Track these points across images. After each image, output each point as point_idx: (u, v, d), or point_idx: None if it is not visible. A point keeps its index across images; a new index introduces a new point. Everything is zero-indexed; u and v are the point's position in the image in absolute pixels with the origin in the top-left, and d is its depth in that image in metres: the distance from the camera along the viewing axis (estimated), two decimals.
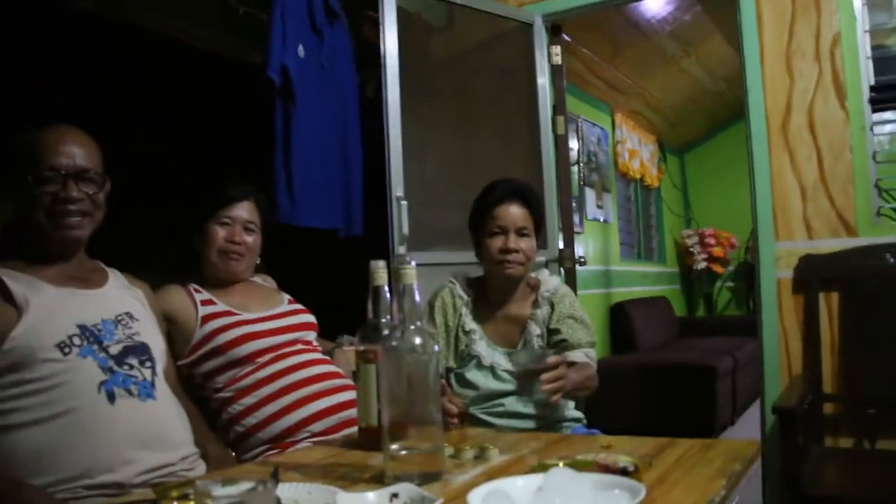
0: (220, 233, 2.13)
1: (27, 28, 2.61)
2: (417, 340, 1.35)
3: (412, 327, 1.36)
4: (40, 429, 1.54)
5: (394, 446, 1.34)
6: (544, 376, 1.85)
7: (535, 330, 2.25)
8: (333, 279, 3.03)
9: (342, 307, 2.56)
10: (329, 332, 2.44)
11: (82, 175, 1.72)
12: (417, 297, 1.39)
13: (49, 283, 1.69)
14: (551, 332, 2.24)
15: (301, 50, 2.86)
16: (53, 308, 1.64)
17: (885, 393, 2.65)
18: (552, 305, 2.27)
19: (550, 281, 2.35)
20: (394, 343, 1.35)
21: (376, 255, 1.74)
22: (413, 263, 1.38)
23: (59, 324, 1.62)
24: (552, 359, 1.88)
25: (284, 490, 1.24)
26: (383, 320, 1.63)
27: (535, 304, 2.29)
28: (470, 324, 2.26)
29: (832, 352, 2.83)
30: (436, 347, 1.36)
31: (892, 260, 2.74)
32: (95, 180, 1.75)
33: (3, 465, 1.51)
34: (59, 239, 1.72)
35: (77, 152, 1.72)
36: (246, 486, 1.08)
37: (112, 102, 2.84)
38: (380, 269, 1.64)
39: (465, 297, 2.31)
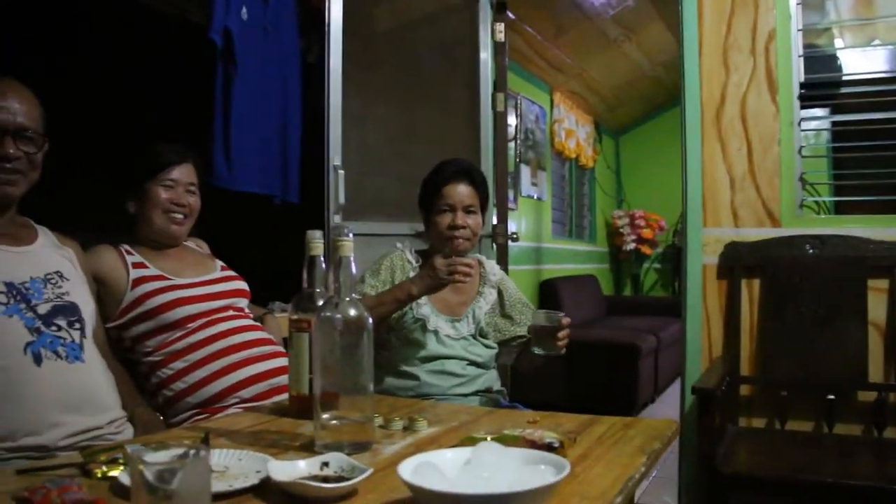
0: (163, 194, 2.10)
1: None
2: (352, 312, 1.36)
3: (347, 299, 1.37)
4: None
5: (325, 415, 1.36)
6: (560, 333, 2.06)
7: (484, 307, 2.44)
8: (266, 246, 3.01)
9: (274, 274, 2.57)
10: (260, 298, 2.44)
11: (21, 133, 1.68)
12: (353, 269, 1.40)
13: None
14: (504, 316, 2.46)
15: (245, 12, 2.81)
16: None
17: (797, 376, 2.78)
18: (499, 290, 2.49)
19: (493, 265, 2.56)
20: (328, 314, 1.36)
21: (312, 223, 1.75)
22: (350, 235, 1.40)
23: None
24: (566, 319, 2.07)
25: (215, 457, 1.25)
26: (318, 290, 1.64)
27: (482, 283, 2.48)
28: None
29: (751, 336, 2.94)
30: (370, 320, 1.38)
31: (811, 250, 2.85)
32: (34, 139, 1.71)
33: None
34: None
35: (18, 109, 1.68)
36: (177, 451, 1.08)
37: (43, 55, 2.75)
38: (316, 239, 1.64)
39: (414, 262, 2.43)
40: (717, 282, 3.02)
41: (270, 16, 2.98)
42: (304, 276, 1.66)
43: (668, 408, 5.43)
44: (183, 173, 2.14)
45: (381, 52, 3.51)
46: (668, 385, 6.02)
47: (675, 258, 7.93)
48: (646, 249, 8.24)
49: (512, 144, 5.88)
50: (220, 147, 2.64)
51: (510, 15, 4.11)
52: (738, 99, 3.03)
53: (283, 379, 1.96)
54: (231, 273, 2.24)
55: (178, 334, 1.99)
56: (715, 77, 3.06)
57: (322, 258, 1.65)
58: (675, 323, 5.36)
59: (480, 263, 2.53)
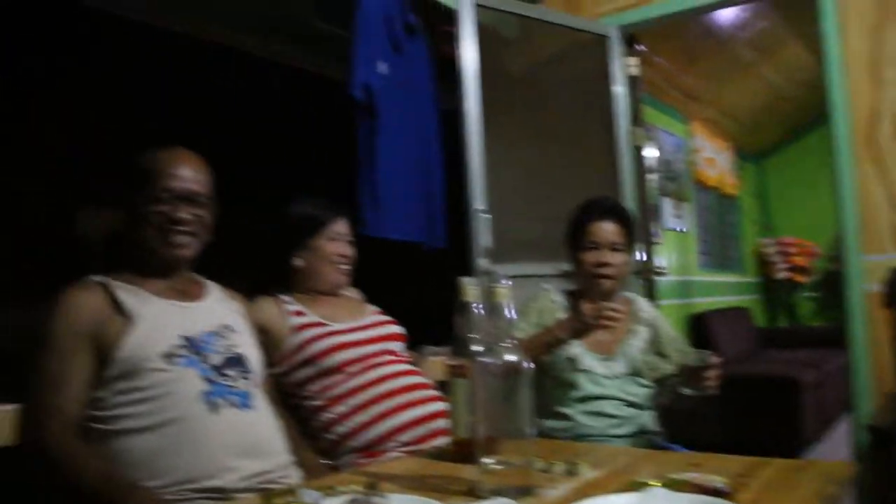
0: (330, 248, 2.22)
1: (130, 54, 2.72)
2: (510, 357, 1.38)
3: (504, 344, 1.39)
4: (149, 435, 1.62)
5: (486, 460, 1.37)
6: (710, 372, 2.06)
7: (637, 345, 2.41)
8: (415, 291, 3.08)
9: (424, 318, 2.61)
10: (411, 342, 2.49)
11: (193, 198, 1.81)
12: (510, 315, 1.42)
13: (155, 296, 1.78)
14: (659, 354, 2.43)
15: (383, 66, 2.92)
16: (159, 320, 1.73)
17: None
18: (653, 328, 2.45)
19: (644, 302, 2.55)
20: (486, 359, 1.38)
21: (459, 267, 1.78)
22: (506, 282, 1.41)
23: (164, 335, 1.71)
24: (714, 358, 2.07)
25: (384, 502, 1.27)
26: (472, 336, 1.66)
27: (634, 321, 2.45)
28: None
29: None
30: (530, 365, 1.39)
31: None
32: (205, 204, 1.84)
33: (120, 467, 1.60)
34: (167, 257, 1.81)
35: (190, 176, 1.82)
36: (348, 497, 1.12)
37: (199, 118, 2.94)
38: (469, 285, 1.67)
39: (561, 303, 2.44)
40: (884, 311, 2.84)
41: (406, 68, 3.09)
42: (458, 321, 1.69)
43: (836, 447, 5.11)
44: (342, 226, 2.26)
45: (515, 95, 3.56)
46: (834, 421, 5.66)
47: (833, 285, 7.51)
48: (799, 278, 7.85)
49: (652, 177, 5.78)
50: (367, 198, 2.74)
51: (641, 48, 4.08)
52: (893, 115, 2.87)
53: (441, 423, 2.01)
54: (385, 317, 2.30)
55: (339, 379, 2.07)
56: (865, 93, 2.93)
57: (475, 304, 1.68)
58: (837, 355, 5.06)
59: (630, 301, 2.50)
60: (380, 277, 2.61)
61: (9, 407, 1.73)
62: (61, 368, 1.66)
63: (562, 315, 2.37)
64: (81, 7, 2.23)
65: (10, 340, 2.49)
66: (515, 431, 1.38)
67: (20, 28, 2.41)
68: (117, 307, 1.72)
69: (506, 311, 1.41)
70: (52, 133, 2.72)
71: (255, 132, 3.08)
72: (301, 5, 2.84)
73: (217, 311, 1.88)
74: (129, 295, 1.74)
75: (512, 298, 1.44)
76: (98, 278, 1.79)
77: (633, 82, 3.88)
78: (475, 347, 1.62)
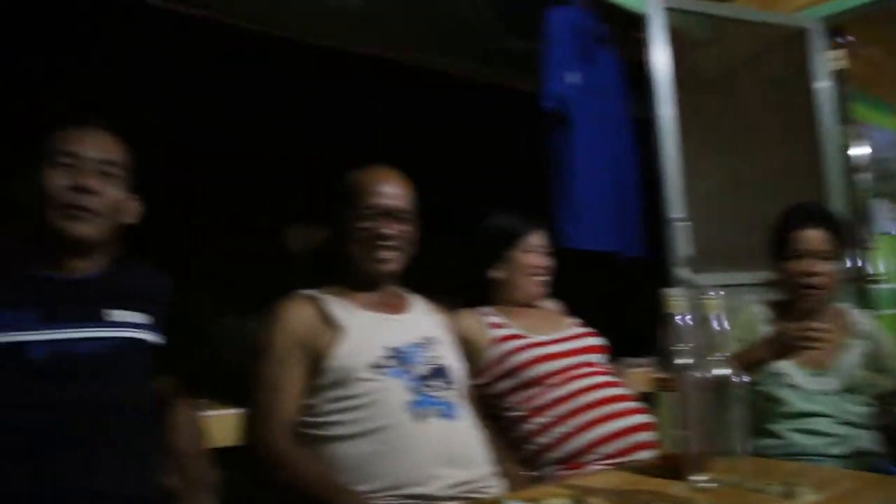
0: (527, 260, 2.25)
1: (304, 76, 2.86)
2: (721, 371, 1.34)
3: (716, 358, 1.35)
4: (358, 441, 1.70)
5: (697, 477, 1.34)
6: None
7: (852, 360, 2.26)
8: (613, 302, 3.05)
9: (622, 329, 2.58)
10: (611, 354, 2.46)
11: (397, 214, 1.89)
12: (720, 327, 1.38)
13: (362, 309, 1.87)
14: (879, 370, 2.28)
15: (573, 77, 2.92)
16: (367, 332, 1.81)
17: None
18: (870, 341, 2.30)
19: (860, 314, 2.40)
20: (697, 373, 1.35)
21: (657, 277, 1.74)
22: (716, 293, 1.38)
23: (372, 346, 1.79)
24: None
25: None
26: (679, 348, 1.62)
27: (849, 334, 2.31)
28: None
29: None
30: (743, 378, 1.34)
31: None
32: (409, 219, 1.92)
33: (331, 471, 1.69)
34: (373, 271, 1.90)
35: (393, 193, 1.91)
36: None
37: (399, 138, 3.05)
38: (674, 296, 1.63)
39: (764, 316, 2.33)
40: None
41: (597, 76, 3.07)
42: (663, 333, 1.65)
43: None
44: (539, 238, 2.28)
45: (709, 98, 3.44)
46: None
47: None
48: None
49: (863, 178, 5.39)
50: (563, 208, 2.74)
51: (846, 39, 3.82)
52: None
53: (644, 436, 1.98)
54: (585, 329, 2.29)
55: (540, 390, 2.07)
56: None
57: (681, 316, 1.64)
58: None
59: (843, 313, 2.36)
60: (577, 288, 2.61)
61: (233, 411, 1.87)
62: (279, 376, 1.78)
63: (765, 329, 2.27)
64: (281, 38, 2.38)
65: (231, 350, 2.70)
66: (727, 448, 1.34)
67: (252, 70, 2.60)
68: (328, 319, 1.82)
69: (715, 323, 1.37)
70: (265, 153, 2.91)
71: (451, 149, 3.16)
72: (491, 24, 2.90)
73: (421, 324, 1.95)
74: (339, 308, 1.84)
75: (722, 309, 1.40)
76: (309, 292, 1.90)
77: (839, 77, 3.64)
78: (682, 360, 1.59)
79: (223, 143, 2.82)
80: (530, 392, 2.08)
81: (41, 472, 1.38)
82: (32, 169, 1.55)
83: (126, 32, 2.33)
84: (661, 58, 3.10)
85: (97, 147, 1.57)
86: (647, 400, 2.14)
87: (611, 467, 1.92)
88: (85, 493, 1.39)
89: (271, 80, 2.78)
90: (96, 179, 1.55)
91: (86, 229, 1.54)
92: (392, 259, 1.90)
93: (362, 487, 1.66)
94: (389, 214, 1.88)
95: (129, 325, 1.58)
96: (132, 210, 1.66)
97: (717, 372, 1.34)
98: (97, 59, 2.52)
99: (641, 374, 2.51)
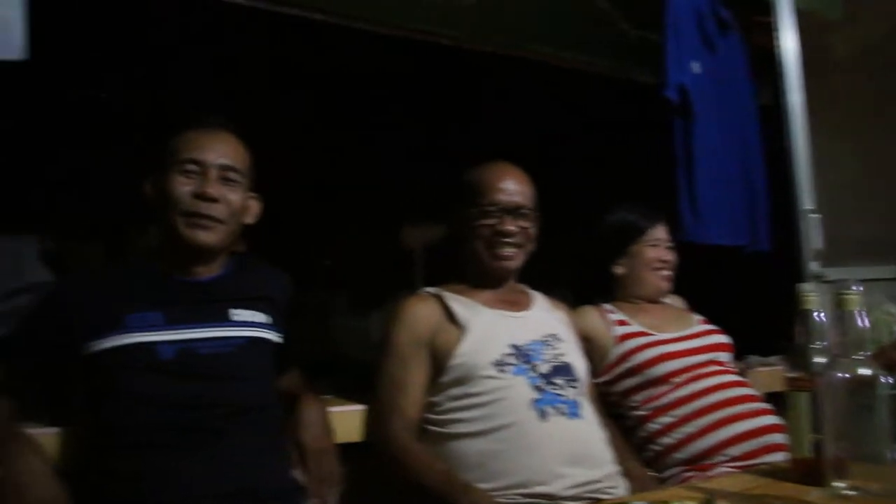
0: (650, 253, 2.21)
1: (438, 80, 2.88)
2: (863, 371, 1.27)
3: (858, 357, 1.28)
4: (481, 439, 1.70)
5: (836, 484, 1.27)
6: None
7: None
8: (738, 297, 2.93)
9: (748, 326, 2.48)
10: (737, 352, 2.38)
11: (518, 211, 1.89)
12: (862, 324, 1.30)
13: (484, 306, 1.87)
14: None
15: (696, 65, 2.83)
16: (490, 329, 1.81)
17: None
18: None
19: None
20: (835, 372, 1.28)
21: (786, 272, 1.66)
22: (857, 288, 1.30)
23: (495, 344, 1.79)
24: None
25: None
26: (815, 346, 1.54)
27: None
28: None
29: None
30: (887, 380, 1.26)
31: None
32: (529, 216, 1.91)
33: (454, 468, 1.70)
34: (494, 270, 1.90)
35: (515, 189, 1.90)
36: None
37: (519, 133, 3.03)
38: (809, 292, 1.56)
39: None
40: None
41: (721, 64, 2.95)
42: (798, 331, 1.58)
43: None
44: (662, 232, 2.24)
45: (843, 82, 3.27)
46: None
47: None
48: None
49: None
50: (686, 202, 2.66)
51: None
52: None
53: (774, 437, 1.91)
54: (711, 327, 2.22)
55: (664, 389, 2.03)
56: None
57: (816, 312, 1.56)
58: None
59: None
60: (701, 284, 2.53)
61: (356, 407, 1.90)
62: (402, 374, 1.80)
63: None
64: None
65: (352, 347, 2.76)
66: (871, 454, 1.26)
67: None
68: (451, 317, 1.83)
69: (857, 320, 1.30)
70: (384, 150, 2.95)
71: (571, 143, 3.12)
72: (610, 15, 2.84)
73: (543, 321, 1.93)
74: (461, 305, 1.85)
75: (863, 305, 1.32)
76: (432, 290, 1.92)
77: None
78: (819, 359, 1.51)
79: (344, 141, 2.87)
80: (654, 391, 2.03)
81: (171, 469, 1.42)
82: (159, 172, 1.60)
83: (247, 33, 2.40)
84: (788, 41, 2.97)
85: (221, 152, 1.60)
86: (776, 401, 2.06)
87: (739, 470, 1.86)
88: (213, 490, 1.43)
89: (393, 79, 2.81)
90: (219, 187, 1.58)
91: (208, 237, 1.58)
92: (513, 256, 1.90)
93: (485, 485, 1.66)
94: (511, 211, 1.88)
95: (252, 324, 1.63)
96: (253, 211, 1.69)
97: (859, 371, 1.26)
98: (223, 60, 2.61)
99: (769, 373, 2.41)
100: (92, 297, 1.54)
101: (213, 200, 1.57)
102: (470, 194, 1.91)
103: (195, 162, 1.58)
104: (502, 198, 1.88)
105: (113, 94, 2.58)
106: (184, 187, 1.56)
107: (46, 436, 1.52)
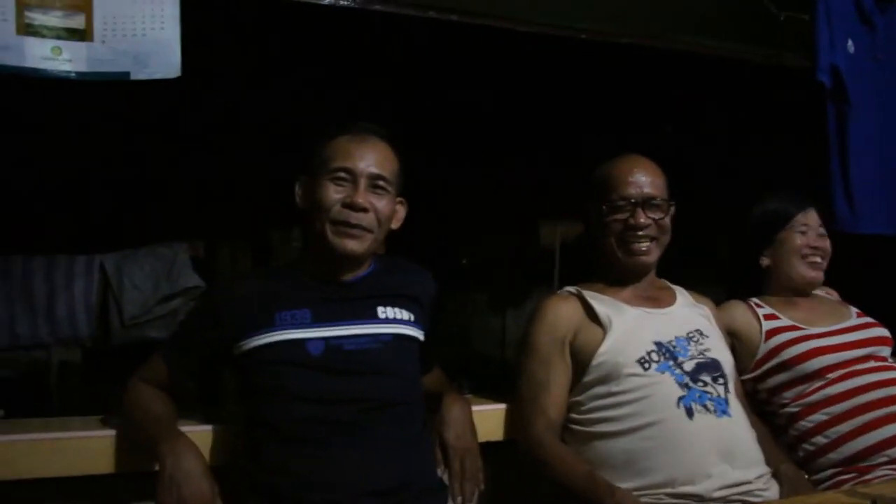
0: (799, 240, 2.11)
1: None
2: None
3: None
4: (626, 438, 1.69)
5: None
6: None
7: None
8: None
9: None
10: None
11: (649, 202, 1.85)
12: None
13: (626, 304, 1.85)
14: None
15: (851, 45, 2.67)
16: (632, 327, 1.79)
17: None
18: None
19: None
20: None
21: None
22: None
23: (638, 341, 1.76)
24: None
25: None
26: None
27: None
28: None
29: None
30: None
31: None
32: (661, 206, 1.87)
33: (598, 468, 1.69)
34: (630, 265, 1.88)
35: (645, 181, 1.87)
36: None
37: (662, 125, 2.97)
38: None
39: None
40: None
41: (880, 42, 2.79)
42: None
43: None
44: (811, 218, 2.14)
45: None
46: None
47: None
48: None
49: None
50: (840, 190, 2.52)
51: None
52: None
53: None
54: (869, 320, 2.11)
55: (817, 385, 1.94)
56: None
57: None
58: None
59: None
60: (858, 277, 2.41)
61: (498, 406, 1.92)
62: (545, 373, 1.80)
63: None
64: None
65: (492, 345, 2.79)
66: None
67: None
68: (592, 316, 1.82)
69: None
70: (521, 149, 2.95)
71: (718, 131, 3.03)
72: None
73: (687, 316, 1.89)
74: (602, 304, 1.83)
75: None
76: (572, 289, 1.91)
77: None
78: None
79: (480, 140, 2.89)
80: (806, 387, 1.95)
81: (320, 464, 1.48)
82: (309, 177, 1.65)
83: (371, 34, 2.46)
84: None
85: (371, 161, 1.62)
86: None
87: None
88: (362, 485, 1.47)
89: (530, 76, 2.80)
90: (368, 195, 1.60)
91: (356, 246, 1.60)
92: (648, 250, 1.87)
93: (630, 484, 1.64)
94: (641, 203, 1.85)
95: (398, 321, 1.66)
96: (400, 216, 1.72)
97: None
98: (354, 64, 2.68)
99: None
100: (243, 297, 1.60)
101: (363, 210, 1.59)
102: (600, 190, 1.90)
103: (346, 170, 1.60)
104: (632, 191, 1.85)
105: (258, 102, 2.69)
106: (335, 195, 1.59)
107: (202, 433, 1.62)
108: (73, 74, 1.49)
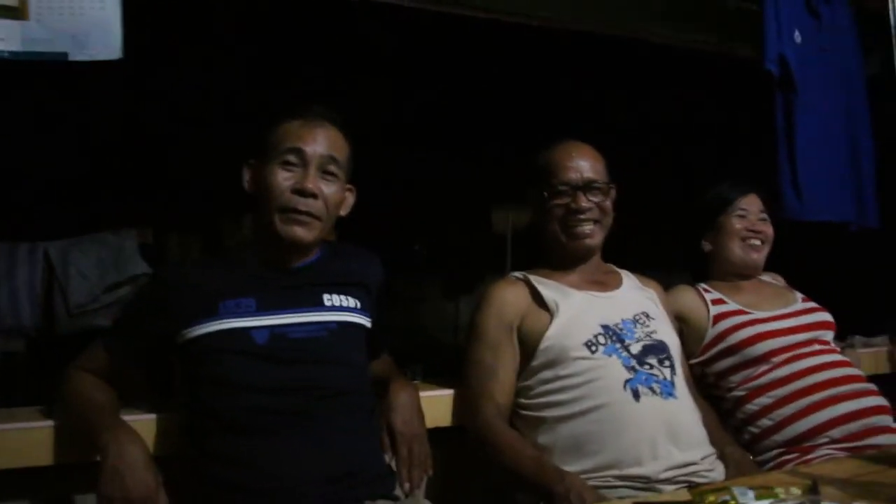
0: (738, 224, 2.14)
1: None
2: None
3: None
4: (575, 422, 1.69)
5: None
6: None
7: None
8: (842, 275, 2.82)
9: (852, 306, 2.39)
10: (839, 331, 2.29)
11: (590, 186, 1.86)
12: None
13: (572, 288, 1.85)
14: None
15: (797, 35, 2.71)
16: (579, 310, 1.79)
17: None
18: None
19: None
20: None
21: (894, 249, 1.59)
22: None
23: (585, 325, 1.76)
24: None
25: None
26: None
27: None
28: None
29: None
30: None
31: None
32: (602, 189, 1.87)
33: (547, 452, 1.69)
34: (573, 249, 1.88)
35: (584, 165, 1.87)
36: (792, 501, 1.05)
37: (603, 113, 2.99)
38: None
39: None
40: None
41: (825, 33, 2.83)
42: None
43: None
44: (752, 202, 2.16)
45: None
46: None
47: None
48: None
49: None
50: (788, 178, 2.56)
51: None
52: None
53: (879, 420, 1.86)
54: (813, 304, 2.15)
55: (763, 369, 1.97)
56: None
57: None
58: None
59: None
60: (803, 263, 2.45)
61: (446, 392, 1.91)
62: (493, 359, 1.80)
63: None
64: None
65: (445, 332, 2.79)
66: None
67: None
68: (539, 301, 1.81)
69: None
70: (474, 136, 2.95)
71: (668, 121, 3.06)
72: None
73: (633, 299, 1.90)
74: (549, 289, 1.83)
75: None
76: (519, 274, 1.91)
77: None
78: None
79: (437, 128, 2.88)
80: (752, 371, 1.98)
81: (266, 453, 1.46)
82: (258, 161, 1.61)
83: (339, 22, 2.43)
84: None
85: (322, 144, 1.59)
86: (881, 382, 2.00)
87: (842, 454, 1.80)
88: (308, 473, 1.46)
89: (491, 63, 2.80)
90: (318, 182, 1.57)
91: (304, 234, 1.58)
92: (591, 233, 1.87)
93: (578, 467, 1.65)
94: (583, 188, 1.85)
95: (344, 308, 1.63)
96: (348, 203, 1.69)
97: None
98: (319, 48, 2.66)
99: (874, 354, 2.33)
100: (188, 285, 1.57)
101: (312, 196, 1.57)
102: (541, 176, 1.89)
103: (296, 153, 1.57)
104: (572, 175, 1.85)
105: (211, 89, 2.65)
106: (283, 182, 1.56)
107: (146, 422, 1.59)
108: (6, 54, 1.45)
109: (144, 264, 2.65)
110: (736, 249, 2.13)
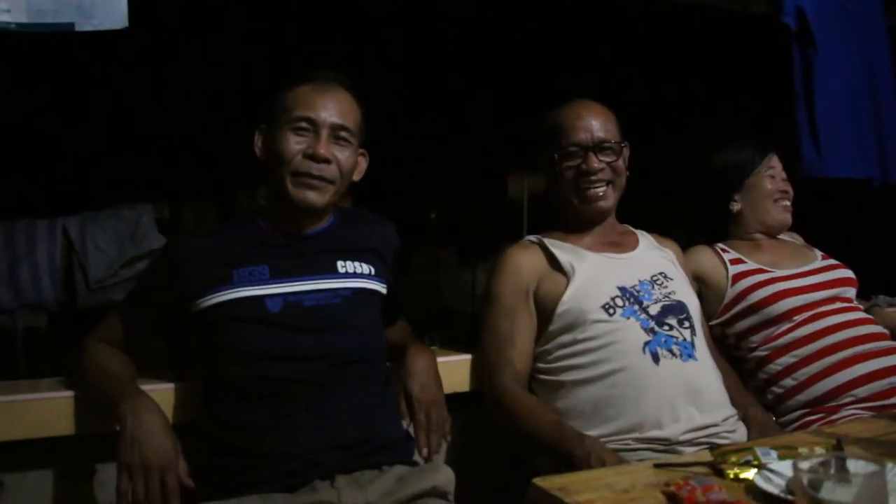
0: (770, 184, 2.11)
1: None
2: None
3: None
4: (593, 385, 1.68)
5: None
6: None
7: None
8: (866, 233, 2.78)
9: (877, 263, 2.35)
10: (862, 290, 2.26)
11: (601, 146, 1.82)
12: None
13: (587, 250, 1.83)
14: None
15: None
16: (596, 273, 1.77)
17: None
18: None
19: None
20: None
21: None
22: None
23: (602, 287, 1.74)
24: None
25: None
26: None
27: None
28: None
29: None
30: None
31: None
32: (613, 149, 1.84)
33: (566, 416, 1.68)
34: (586, 211, 1.85)
35: (595, 125, 1.83)
36: (816, 460, 1.03)
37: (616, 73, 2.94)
38: None
39: None
40: None
41: None
42: None
43: None
44: (776, 162, 2.13)
45: None
46: None
47: None
48: None
49: None
50: (807, 135, 2.52)
51: None
52: None
53: None
54: (834, 262, 2.12)
55: (784, 328, 1.94)
56: None
57: None
58: None
59: None
60: (824, 221, 2.41)
61: (464, 357, 1.90)
62: (509, 324, 1.78)
63: None
64: None
65: (462, 298, 2.78)
66: None
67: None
68: (554, 264, 1.79)
69: None
70: (488, 101, 2.92)
71: (683, 77, 3.01)
72: None
73: (651, 260, 1.88)
74: (564, 252, 1.81)
75: None
76: (533, 238, 1.89)
77: None
78: None
79: (450, 94, 2.86)
80: (774, 330, 1.95)
81: (281, 420, 1.46)
82: (269, 128, 1.60)
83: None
84: None
85: (333, 111, 1.57)
86: None
87: (868, 413, 1.78)
88: (324, 440, 1.46)
89: (495, 27, 2.76)
90: (330, 146, 1.56)
91: (316, 198, 1.56)
92: (604, 194, 1.84)
93: (598, 431, 1.64)
94: (593, 148, 1.81)
95: (358, 275, 1.63)
96: (361, 168, 1.68)
97: None
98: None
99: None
100: (201, 254, 1.57)
101: (325, 161, 1.55)
102: (551, 138, 1.86)
103: (308, 120, 1.56)
104: (582, 136, 1.82)
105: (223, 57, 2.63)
106: (295, 146, 1.55)
107: (164, 391, 1.60)
108: (14, 26, 1.43)
109: (161, 238, 2.66)
110: (772, 210, 2.11)
